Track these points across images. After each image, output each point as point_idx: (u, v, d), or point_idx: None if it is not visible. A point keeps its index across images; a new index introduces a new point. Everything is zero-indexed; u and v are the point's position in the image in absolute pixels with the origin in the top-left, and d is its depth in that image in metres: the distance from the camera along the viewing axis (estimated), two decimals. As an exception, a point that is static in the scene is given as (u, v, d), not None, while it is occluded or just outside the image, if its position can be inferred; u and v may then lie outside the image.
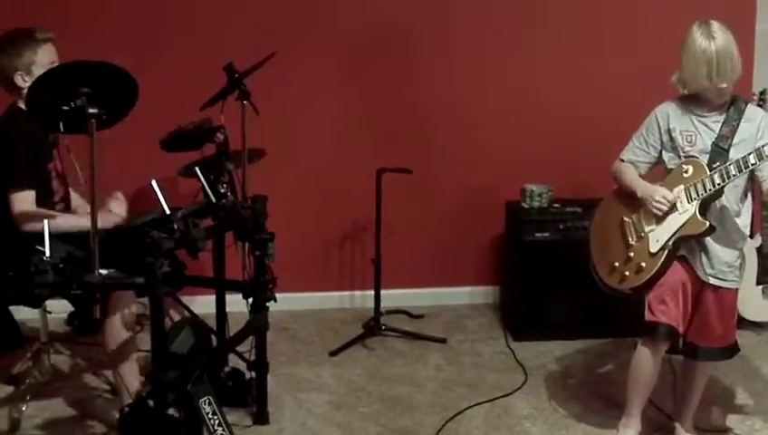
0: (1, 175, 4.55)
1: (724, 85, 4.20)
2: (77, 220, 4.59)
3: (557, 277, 5.75)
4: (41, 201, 4.57)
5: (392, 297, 6.12)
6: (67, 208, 4.89)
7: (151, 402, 4.16)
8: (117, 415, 4.66)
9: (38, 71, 4.54)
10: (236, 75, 4.79)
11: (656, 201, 4.32)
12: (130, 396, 4.57)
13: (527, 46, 6.22)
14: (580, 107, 6.23)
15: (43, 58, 4.60)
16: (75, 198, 4.94)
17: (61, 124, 4.01)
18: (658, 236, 4.36)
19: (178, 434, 4.07)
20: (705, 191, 4.23)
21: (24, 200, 4.48)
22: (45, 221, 3.89)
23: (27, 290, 3.87)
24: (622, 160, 4.57)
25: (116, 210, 4.66)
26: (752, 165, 4.11)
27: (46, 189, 4.68)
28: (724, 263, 4.34)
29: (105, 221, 4.47)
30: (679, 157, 4.37)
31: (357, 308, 6.34)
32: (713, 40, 4.16)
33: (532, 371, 5.42)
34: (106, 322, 4.53)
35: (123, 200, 4.76)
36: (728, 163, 4.18)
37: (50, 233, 3.90)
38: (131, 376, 4.62)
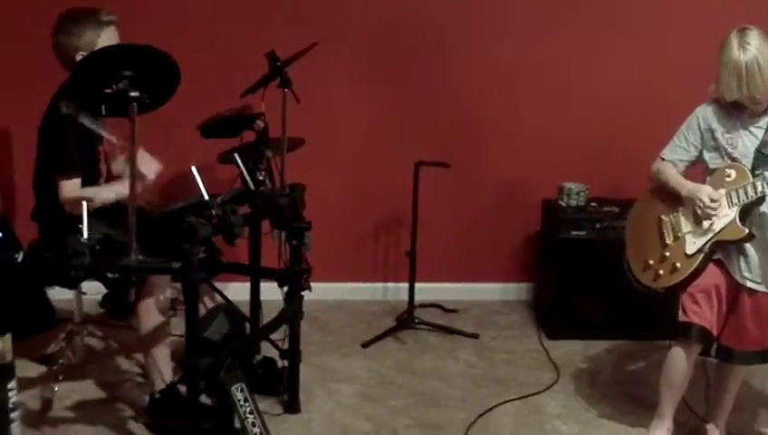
0: (50, 156, 4.57)
1: (758, 96, 4.17)
2: (119, 188, 4.57)
3: (592, 276, 5.72)
4: (88, 182, 4.59)
5: (425, 291, 6.11)
6: None
7: (182, 389, 4.17)
8: (147, 399, 4.70)
9: None
10: (278, 63, 4.78)
11: (702, 202, 4.28)
12: (163, 381, 4.59)
13: (567, 43, 6.19)
14: (619, 106, 6.20)
15: (106, 41, 4.59)
16: (118, 163, 4.92)
17: (103, 107, 4.01)
18: (695, 238, 4.34)
19: (208, 421, 4.07)
20: (747, 198, 4.21)
21: (72, 187, 4.50)
22: (84, 204, 3.89)
23: (64, 271, 3.88)
24: (663, 159, 4.55)
25: (145, 169, 4.61)
26: None
27: (95, 171, 4.69)
28: (761, 267, 4.31)
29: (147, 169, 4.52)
30: (722, 156, 4.34)
31: (390, 301, 6.34)
32: (744, 51, 4.11)
33: (563, 369, 5.40)
34: (140, 305, 4.54)
35: (148, 156, 4.69)
36: None
37: (93, 211, 3.91)
38: (162, 361, 4.63)
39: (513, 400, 5.02)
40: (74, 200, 4.45)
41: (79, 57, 4.60)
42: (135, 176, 3.95)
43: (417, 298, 5.97)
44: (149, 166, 4.60)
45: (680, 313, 4.32)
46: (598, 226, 5.77)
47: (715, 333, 4.30)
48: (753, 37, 4.14)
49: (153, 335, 4.58)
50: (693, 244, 4.34)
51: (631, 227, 4.71)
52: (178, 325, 5.16)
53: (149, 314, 4.56)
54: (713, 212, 4.27)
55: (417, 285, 5.94)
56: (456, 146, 6.15)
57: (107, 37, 4.61)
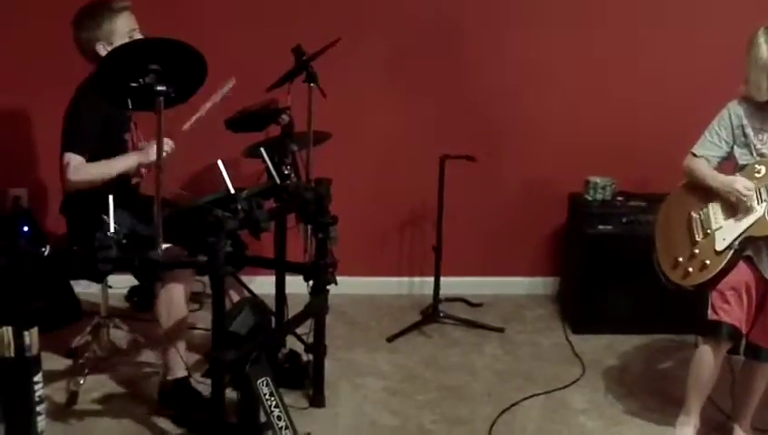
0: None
1: None
2: (123, 161, 4.62)
3: (618, 271, 5.70)
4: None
5: (451, 285, 6.10)
6: (138, 187, 4.93)
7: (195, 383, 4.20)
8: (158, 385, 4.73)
9: (118, 40, 4.59)
10: (304, 57, 4.78)
11: (738, 191, 4.26)
12: (186, 367, 4.61)
13: (593, 38, 6.16)
14: (645, 100, 6.17)
15: (123, 27, 4.65)
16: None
17: (129, 101, 4.03)
18: (725, 234, 4.32)
19: (215, 415, 4.08)
20: None
21: (76, 164, 4.55)
22: (110, 197, 3.90)
23: (91, 265, 3.89)
24: (694, 155, 4.52)
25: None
26: None
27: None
28: None
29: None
30: (751, 153, 4.32)
31: (415, 295, 6.32)
32: None
33: (589, 364, 5.38)
34: (163, 296, 4.56)
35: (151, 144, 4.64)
36: None
37: (119, 205, 3.93)
38: (177, 356, 4.66)
39: (539, 394, 5.01)
40: (76, 179, 4.53)
41: (99, 48, 4.65)
42: (161, 169, 3.96)
43: (443, 292, 5.97)
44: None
45: (709, 311, 4.29)
46: (624, 220, 5.75)
47: (744, 330, 4.28)
48: None
49: (173, 327, 4.61)
50: (722, 240, 4.31)
51: (661, 225, 4.68)
52: (204, 319, 5.21)
53: (171, 305, 4.58)
54: (749, 201, 4.25)
55: (443, 280, 5.93)
56: (482, 140, 6.13)
57: (123, 23, 4.66)
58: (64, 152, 4.57)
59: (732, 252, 4.28)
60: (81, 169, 4.55)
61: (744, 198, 4.26)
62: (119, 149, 4.73)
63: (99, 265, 3.86)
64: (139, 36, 4.62)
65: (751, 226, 4.25)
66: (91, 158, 4.59)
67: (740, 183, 4.28)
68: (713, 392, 4.50)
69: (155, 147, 4.11)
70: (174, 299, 4.58)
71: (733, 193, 4.30)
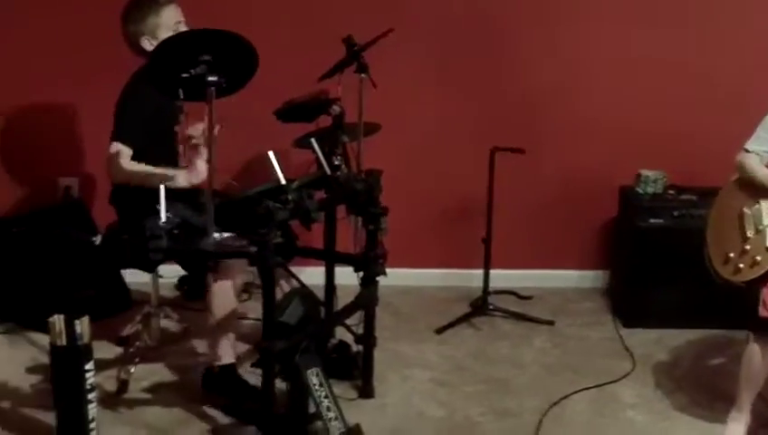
0: None
1: None
2: (160, 175, 4.55)
3: (669, 265, 5.65)
4: (163, 161, 4.64)
5: (500, 277, 6.09)
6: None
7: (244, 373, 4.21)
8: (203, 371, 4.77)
9: (163, 33, 4.62)
10: (355, 48, 4.78)
11: None
12: (235, 358, 4.66)
13: (644, 29, 6.12)
14: (697, 93, 6.13)
15: (168, 19, 4.67)
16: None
17: (180, 91, 4.04)
18: None
19: (264, 405, 4.09)
20: None
21: (118, 154, 4.60)
22: (162, 187, 3.92)
23: (142, 254, 3.91)
24: (746, 150, 4.48)
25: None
26: None
27: (169, 150, 4.72)
28: None
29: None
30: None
31: (463, 287, 6.29)
32: None
33: (639, 358, 5.34)
34: (215, 285, 4.58)
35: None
36: None
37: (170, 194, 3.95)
38: (228, 341, 4.70)
39: (588, 388, 4.98)
40: (119, 169, 4.58)
41: (144, 41, 4.68)
42: (213, 161, 3.97)
43: (492, 285, 5.95)
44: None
45: (760, 307, 4.25)
46: (675, 213, 5.71)
47: None
48: None
49: (223, 317, 4.63)
50: None
51: (713, 220, 4.65)
52: (254, 309, 5.22)
53: (223, 295, 4.59)
54: None
55: (493, 272, 5.92)
56: (532, 132, 6.11)
57: (168, 16, 4.69)
58: (112, 142, 4.62)
59: None
60: (123, 164, 4.59)
61: None
62: (168, 141, 4.75)
63: (150, 254, 3.88)
64: (184, 29, 4.63)
65: None
66: (140, 150, 4.62)
67: None
68: (764, 388, 4.46)
69: (205, 166, 4.16)
70: (225, 290, 4.60)
71: None
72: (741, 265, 4.34)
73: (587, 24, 6.13)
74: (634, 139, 6.16)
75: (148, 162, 4.61)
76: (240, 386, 4.67)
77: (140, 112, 4.64)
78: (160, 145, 4.65)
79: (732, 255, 4.40)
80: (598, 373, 5.14)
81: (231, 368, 4.69)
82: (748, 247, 4.35)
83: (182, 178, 4.50)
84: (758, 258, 4.28)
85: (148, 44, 4.68)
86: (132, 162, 4.60)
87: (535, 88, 6.20)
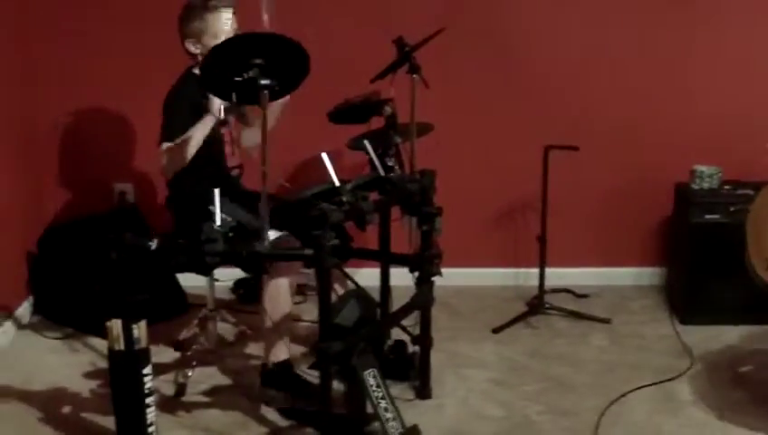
0: None
1: None
2: (197, 128, 4.64)
3: (726, 260, 5.57)
4: (208, 164, 4.68)
5: (556, 275, 6.06)
6: (240, 181, 4.99)
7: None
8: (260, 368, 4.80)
9: (208, 39, 4.65)
10: (406, 48, 4.78)
11: None
12: (289, 355, 4.71)
13: (701, 28, 6.09)
14: (752, 86, 6.09)
15: (213, 26, 4.68)
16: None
17: (233, 95, 4.06)
18: None
19: (322, 407, 4.09)
20: None
21: (163, 157, 4.66)
22: (216, 191, 3.94)
23: (198, 258, 3.93)
24: None
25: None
26: None
27: (216, 152, 4.75)
28: None
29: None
30: None
31: (520, 286, 6.28)
32: None
33: (698, 355, 5.30)
34: (270, 284, 4.59)
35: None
36: None
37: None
38: (281, 342, 4.71)
39: (647, 386, 4.94)
40: (168, 157, 4.64)
41: (189, 45, 4.72)
42: (266, 159, 3.98)
43: (548, 283, 5.92)
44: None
45: None
46: (731, 209, 5.65)
47: None
48: None
49: (279, 316, 4.64)
50: None
51: (752, 221, 4.60)
52: (310, 311, 5.23)
53: (278, 294, 4.61)
54: None
55: (549, 270, 5.89)
56: (586, 129, 6.08)
57: (213, 23, 4.69)
58: (159, 145, 4.68)
59: None
60: (165, 153, 4.65)
61: None
62: (215, 141, 4.79)
63: (206, 258, 3.90)
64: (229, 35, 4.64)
65: None
66: None
67: None
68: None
69: (217, 100, 4.29)
70: (281, 289, 4.62)
71: None
72: None
73: (642, 23, 6.10)
74: (689, 134, 6.13)
75: (193, 163, 4.64)
76: (296, 382, 4.68)
77: (182, 115, 4.68)
78: (207, 146, 4.68)
79: None
80: (656, 371, 5.10)
81: (287, 364, 4.71)
82: None
83: (208, 120, 4.59)
84: None
85: (193, 47, 4.72)
86: (166, 143, 4.65)
87: (588, 86, 6.18)
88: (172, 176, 4.73)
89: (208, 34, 4.69)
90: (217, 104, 4.53)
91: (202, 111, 4.60)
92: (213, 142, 4.74)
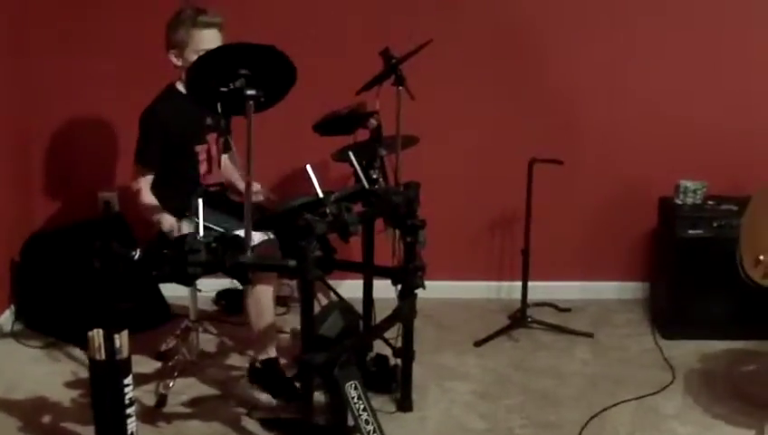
0: None
1: None
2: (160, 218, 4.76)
3: (710, 275, 5.61)
4: (181, 181, 4.71)
5: (540, 289, 6.07)
6: (223, 192, 4.99)
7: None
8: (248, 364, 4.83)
9: (190, 54, 4.65)
10: (393, 60, 4.78)
11: None
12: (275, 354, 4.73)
13: (683, 41, 6.09)
14: (736, 102, 6.11)
15: (197, 44, 4.68)
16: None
17: (219, 105, 4.06)
18: None
19: (304, 418, 4.09)
20: None
21: (141, 181, 4.79)
22: (200, 201, 3.94)
23: (181, 268, 3.93)
24: None
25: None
26: None
27: (188, 171, 4.77)
28: None
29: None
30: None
31: (503, 299, 6.29)
32: None
33: (680, 369, 5.31)
34: (255, 291, 4.63)
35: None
36: None
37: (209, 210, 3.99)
38: (270, 343, 4.76)
39: (629, 400, 4.95)
40: (138, 197, 4.79)
41: (171, 54, 4.72)
42: (251, 174, 3.98)
43: (532, 297, 5.92)
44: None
45: None
46: (715, 224, 5.66)
47: None
48: None
49: (263, 321, 4.69)
50: None
51: (747, 220, 4.63)
52: (293, 323, 5.23)
53: (262, 300, 4.65)
54: None
55: (532, 284, 5.88)
56: (571, 143, 6.10)
57: (199, 40, 4.69)
58: (135, 163, 4.78)
59: None
60: (140, 192, 4.81)
61: None
62: (187, 161, 4.80)
63: (189, 268, 3.90)
64: None
65: None
66: (163, 170, 4.68)
67: None
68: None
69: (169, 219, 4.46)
70: (264, 296, 4.63)
71: None
72: None
73: (624, 36, 6.11)
74: (673, 149, 6.14)
75: (171, 181, 4.67)
76: (282, 381, 4.69)
77: (157, 140, 4.71)
78: (179, 164, 4.70)
79: (762, 257, 4.37)
80: (638, 385, 5.11)
81: (274, 362, 4.72)
82: None
83: (165, 224, 4.72)
84: None
85: (174, 59, 4.73)
86: (145, 193, 4.78)
87: (573, 100, 6.18)
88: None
89: (191, 49, 4.68)
90: (169, 222, 4.66)
91: (176, 132, 4.64)
92: (183, 162, 4.76)
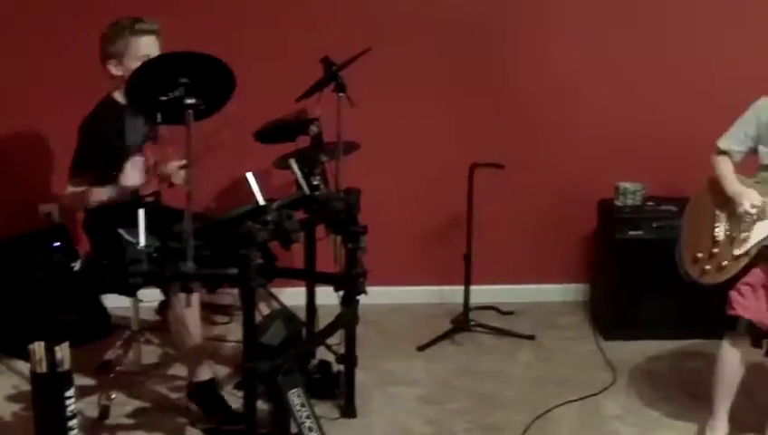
0: None
1: None
2: (105, 190, 4.61)
3: (649, 276, 5.66)
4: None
5: (482, 293, 6.10)
6: (158, 201, 4.96)
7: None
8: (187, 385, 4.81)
9: (130, 62, 4.60)
10: (333, 68, 4.79)
11: (744, 208, 4.26)
12: (212, 374, 4.70)
13: (622, 43, 6.16)
14: (674, 103, 6.16)
15: (137, 51, 4.63)
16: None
17: (159, 115, 4.04)
18: (746, 239, 4.30)
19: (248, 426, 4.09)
20: None
21: (69, 187, 4.67)
22: (141, 212, 3.92)
23: (122, 279, 3.91)
24: (719, 148, 4.52)
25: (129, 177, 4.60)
26: None
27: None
28: None
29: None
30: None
31: (446, 303, 6.28)
32: None
33: (622, 370, 5.36)
34: (177, 305, 4.60)
35: (139, 163, 4.69)
36: None
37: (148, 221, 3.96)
38: (203, 361, 4.74)
39: (572, 401, 4.99)
40: (70, 198, 4.69)
41: (110, 65, 4.68)
42: (192, 182, 3.98)
43: (475, 301, 5.95)
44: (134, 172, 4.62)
45: (727, 306, 4.30)
46: (654, 225, 5.72)
47: (764, 326, 4.25)
48: None
49: (198, 334, 4.66)
50: (742, 245, 4.30)
51: (687, 217, 4.71)
52: (235, 331, 5.22)
53: (195, 313, 4.63)
54: (749, 218, 4.24)
55: (475, 288, 5.92)
56: (512, 147, 6.12)
57: (137, 47, 4.64)
58: (70, 172, 4.69)
59: (748, 258, 4.28)
60: (68, 196, 4.70)
61: (749, 215, 4.25)
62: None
63: (130, 278, 3.88)
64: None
65: None
66: (99, 179, 4.64)
67: (748, 199, 4.29)
68: (747, 394, 4.49)
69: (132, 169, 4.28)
70: (189, 312, 4.62)
71: (737, 206, 4.31)
72: (707, 268, 4.39)
73: (563, 38, 6.17)
74: (612, 152, 6.19)
75: None
76: (216, 403, 4.68)
77: (96, 151, 4.66)
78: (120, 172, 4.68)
79: (700, 255, 4.44)
80: (581, 386, 5.15)
81: (209, 384, 4.71)
82: (716, 251, 4.39)
83: (115, 188, 4.56)
84: (724, 263, 4.32)
85: (114, 69, 4.68)
86: (75, 179, 4.66)
87: (514, 103, 6.22)
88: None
89: (131, 57, 4.64)
90: (105, 192, 4.58)
91: (117, 144, 4.61)
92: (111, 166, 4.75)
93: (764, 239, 4.24)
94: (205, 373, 4.69)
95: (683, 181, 5.76)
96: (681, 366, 5.46)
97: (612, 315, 5.88)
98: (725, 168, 4.47)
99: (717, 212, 4.47)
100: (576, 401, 4.99)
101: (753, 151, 4.45)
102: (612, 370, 5.36)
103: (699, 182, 4.70)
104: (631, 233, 5.74)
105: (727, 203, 4.44)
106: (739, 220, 4.34)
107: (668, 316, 5.73)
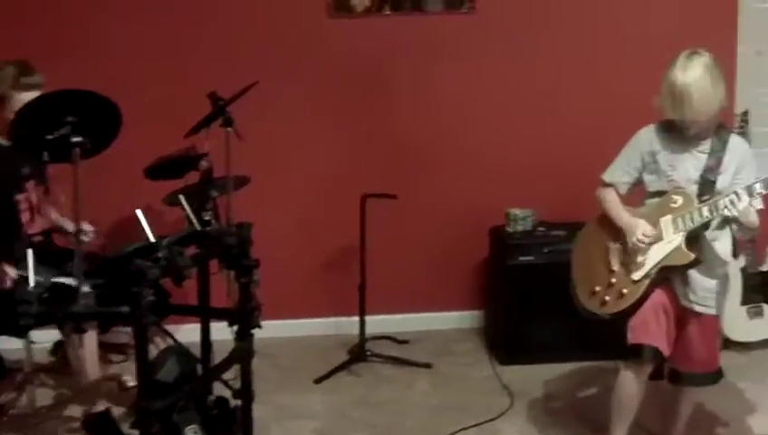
0: None
1: (687, 120, 4.19)
2: None
3: (542, 301, 5.74)
4: (4, 231, 4.61)
5: (378, 323, 6.11)
6: (48, 239, 4.91)
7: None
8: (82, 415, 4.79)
9: (7, 113, 4.51)
10: (220, 102, 4.79)
11: (637, 238, 4.32)
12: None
13: (507, 70, 6.25)
14: (564, 130, 6.27)
15: (16, 103, 4.52)
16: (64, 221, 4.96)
17: (45, 153, 4.01)
18: (642, 264, 4.35)
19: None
20: (693, 223, 4.22)
21: None
22: (30, 252, 3.88)
23: (12, 320, 3.86)
24: (604, 182, 4.56)
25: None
26: (743, 202, 4.07)
27: (10, 220, 4.69)
28: (705, 289, 4.33)
29: None
30: (661, 179, 4.35)
31: (342, 334, 6.27)
32: (684, 73, 4.12)
33: (518, 395, 5.41)
34: (86, 340, 4.60)
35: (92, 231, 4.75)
36: (718, 198, 4.15)
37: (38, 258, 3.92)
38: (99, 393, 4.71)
39: (470, 427, 5.02)
40: None
41: None
42: (79, 223, 3.95)
43: (371, 331, 5.97)
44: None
45: (629, 335, 4.34)
46: (546, 250, 5.80)
47: (666, 352, 4.31)
48: (698, 63, 4.14)
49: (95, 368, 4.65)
50: (640, 269, 4.35)
51: (577, 254, 4.72)
52: (131, 370, 5.15)
53: (92, 348, 4.60)
54: (642, 247, 4.31)
55: (371, 318, 5.94)
56: (403, 177, 6.17)
57: (18, 101, 4.54)
58: None
59: (648, 281, 4.32)
60: None
61: (641, 246, 4.32)
62: (9, 211, 4.72)
63: (20, 320, 3.83)
64: None
65: (667, 255, 4.28)
66: None
67: (640, 230, 4.33)
68: (642, 417, 4.55)
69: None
70: (93, 343, 4.60)
71: (628, 236, 4.37)
72: (607, 298, 4.41)
73: (452, 67, 6.23)
74: (502, 179, 6.27)
75: None
76: (112, 432, 4.66)
77: None
78: (3, 213, 4.63)
79: (598, 288, 4.47)
80: (479, 412, 5.19)
81: (104, 414, 4.70)
82: (614, 280, 4.42)
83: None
84: (624, 291, 4.35)
85: None
86: None
87: (403, 133, 6.27)
88: None
89: (8, 109, 4.58)
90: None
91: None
92: (4, 212, 4.68)
93: (663, 260, 4.28)
94: (100, 404, 4.65)
95: (573, 206, 5.82)
96: (576, 390, 5.53)
97: (507, 341, 5.93)
98: (613, 200, 4.51)
99: (609, 244, 4.50)
100: (474, 426, 5.03)
101: (639, 182, 4.50)
102: (509, 394, 5.41)
103: (589, 207, 4.75)
104: (522, 259, 5.81)
105: (618, 235, 4.47)
106: (633, 249, 4.39)
107: (562, 339, 5.79)
